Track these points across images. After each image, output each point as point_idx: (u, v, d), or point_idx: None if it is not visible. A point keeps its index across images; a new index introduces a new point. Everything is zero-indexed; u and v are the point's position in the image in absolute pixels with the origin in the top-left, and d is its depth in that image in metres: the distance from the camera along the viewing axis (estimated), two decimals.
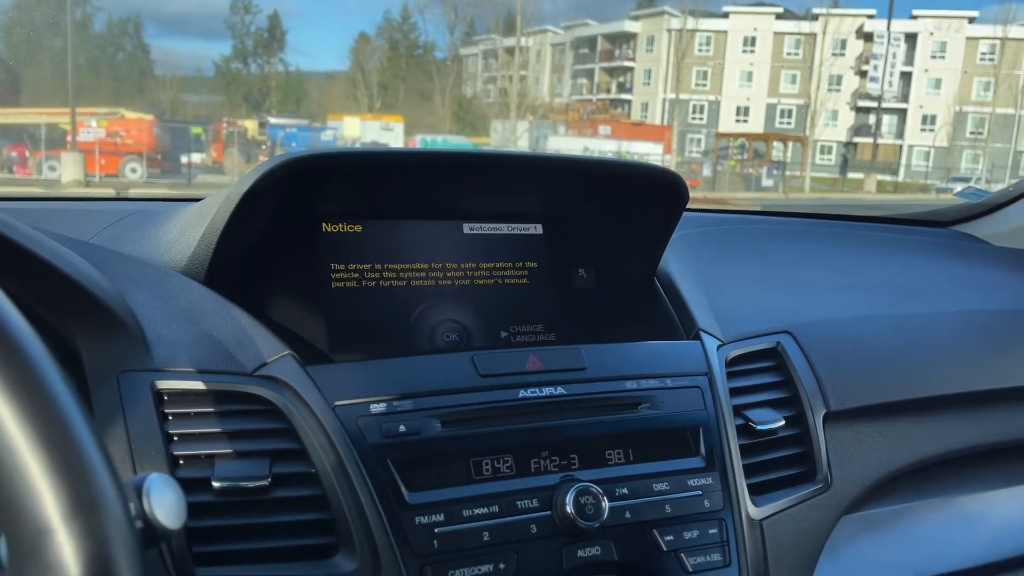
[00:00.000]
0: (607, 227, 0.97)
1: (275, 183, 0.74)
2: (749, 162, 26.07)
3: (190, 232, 0.81)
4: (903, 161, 34.08)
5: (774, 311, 0.95)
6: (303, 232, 0.89)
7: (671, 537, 0.72)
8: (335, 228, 0.91)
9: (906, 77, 34.45)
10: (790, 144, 27.36)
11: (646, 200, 0.88)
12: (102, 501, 0.35)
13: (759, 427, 0.82)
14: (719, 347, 0.85)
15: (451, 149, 1.04)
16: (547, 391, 0.74)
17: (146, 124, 20.32)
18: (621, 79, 38.01)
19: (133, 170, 19.11)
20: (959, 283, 1.22)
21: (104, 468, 0.37)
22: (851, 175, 30.73)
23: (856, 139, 35.46)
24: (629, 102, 37.24)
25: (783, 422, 0.84)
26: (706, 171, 26.46)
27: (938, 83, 34.34)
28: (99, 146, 18.35)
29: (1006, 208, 1.49)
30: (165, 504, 0.45)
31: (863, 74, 34.52)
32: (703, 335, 0.86)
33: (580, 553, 0.69)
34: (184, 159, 20.49)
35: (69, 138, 18.51)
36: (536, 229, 1.00)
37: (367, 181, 0.86)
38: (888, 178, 30.50)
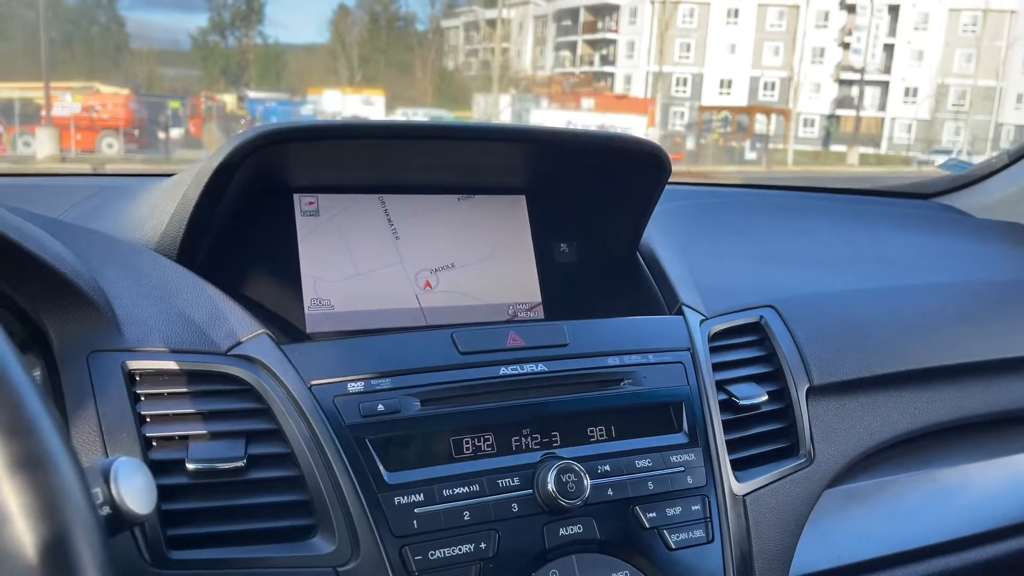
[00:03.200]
0: (589, 201, 0.95)
1: (248, 156, 0.72)
2: (732, 135, 26.04)
3: (161, 208, 0.79)
4: (885, 133, 34.22)
5: (757, 285, 0.94)
6: (278, 208, 0.87)
7: (654, 514, 0.72)
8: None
9: (889, 49, 34.46)
10: (773, 117, 27.35)
11: (629, 173, 0.87)
12: (48, 459, 0.33)
13: (742, 402, 0.81)
14: (702, 322, 0.85)
15: (429, 122, 1.01)
16: (528, 368, 0.73)
17: (122, 98, 19.92)
18: (604, 51, 37.72)
19: (110, 145, 18.78)
20: (941, 255, 1.21)
21: (51, 428, 0.34)
22: (834, 148, 30.81)
23: (839, 111, 35.52)
24: (612, 75, 37.00)
25: (766, 397, 0.83)
26: (690, 144, 26.43)
27: (920, 55, 34.37)
28: (74, 121, 18.01)
29: (988, 180, 1.50)
30: (134, 489, 0.43)
31: (846, 46, 34.48)
32: (686, 310, 0.85)
33: (562, 531, 0.68)
34: (162, 134, 20.15)
35: (43, 113, 18.16)
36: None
37: (344, 154, 0.84)
38: (871, 151, 30.61)
